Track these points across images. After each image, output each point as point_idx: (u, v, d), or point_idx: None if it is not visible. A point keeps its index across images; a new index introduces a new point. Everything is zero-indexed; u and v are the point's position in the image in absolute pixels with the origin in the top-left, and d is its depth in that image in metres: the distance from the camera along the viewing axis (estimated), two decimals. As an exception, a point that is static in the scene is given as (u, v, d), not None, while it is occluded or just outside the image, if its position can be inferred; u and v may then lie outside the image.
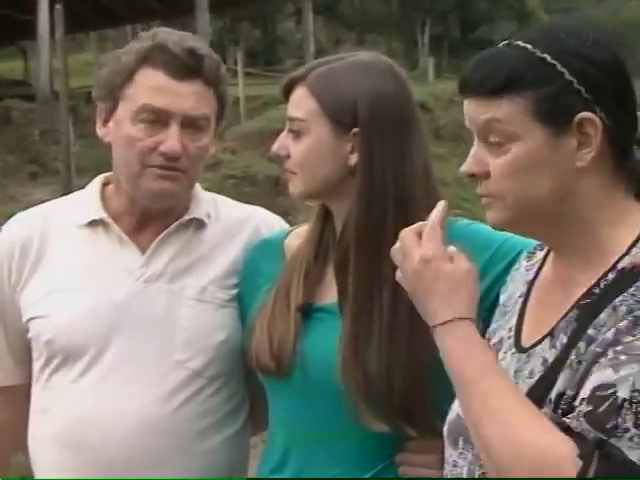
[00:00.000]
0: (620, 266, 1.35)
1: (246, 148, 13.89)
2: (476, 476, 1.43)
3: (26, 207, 2.11)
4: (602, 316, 1.31)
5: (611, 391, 1.24)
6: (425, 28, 32.24)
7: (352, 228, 1.74)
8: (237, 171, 12.66)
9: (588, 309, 1.34)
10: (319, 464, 1.75)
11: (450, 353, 1.37)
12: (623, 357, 1.25)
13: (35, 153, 15.65)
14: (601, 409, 1.23)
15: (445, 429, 1.52)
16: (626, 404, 1.22)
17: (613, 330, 1.27)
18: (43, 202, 2.10)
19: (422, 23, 33.21)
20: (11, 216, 2.07)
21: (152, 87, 1.86)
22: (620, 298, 1.30)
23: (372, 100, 1.74)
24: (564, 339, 1.36)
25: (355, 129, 1.74)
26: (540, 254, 1.55)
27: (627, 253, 1.35)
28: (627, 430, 1.22)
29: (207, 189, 2.09)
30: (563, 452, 1.23)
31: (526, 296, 1.51)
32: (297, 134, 1.77)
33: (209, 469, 1.92)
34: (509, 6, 39.16)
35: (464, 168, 1.42)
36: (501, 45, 1.42)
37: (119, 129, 1.90)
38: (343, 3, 39.20)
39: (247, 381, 1.96)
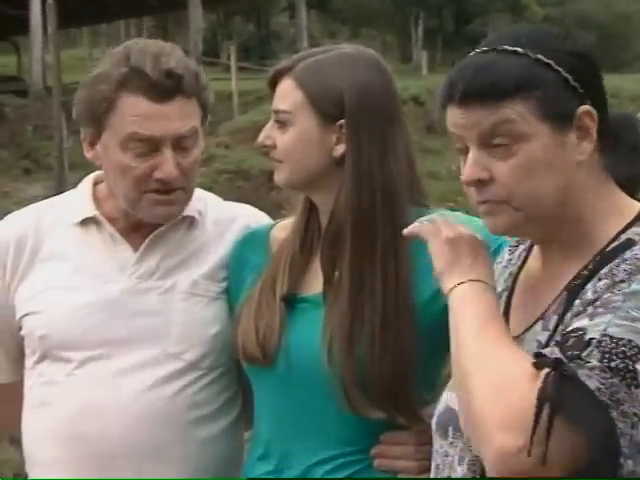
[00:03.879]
0: (608, 250, 1.37)
1: (239, 143, 13.89)
2: (465, 462, 1.45)
3: (20, 203, 2.13)
4: (588, 286, 1.34)
5: (582, 332, 1.27)
6: (419, 22, 32.23)
7: (343, 216, 1.76)
8: (230, 166, 12.67)
9: (576, 288, 1.37)
10: (302, 450, 1.78)
11: (451, 312, 1.41)
12: (600, 309, 1.28)
13: (28, 149, 15.64)
14: (569, 342, 1.27)
15: (434, 421, 1.54)
16: (594, 342, 1.25)
17: (592, 290, 1.32)
18: (36, 198, 2.11)
19: (416, 17, 33.20)
20: (5, 212, 2.07)
21: (136, 115, 1.85)
22: (605, 270, 1.33)
23: (359, 92, 1.76)
24: (555, 319, 1.39)
25: (341, 120, 1.76)
26: (522, 247, 1.57)
27: (615, 239, 1.38)
28: (589, 362, 1.24)
29: (201, 184, 2.10)
30: (522, 368, 1.27)
31: (511, 289, 1.53)
32: (283, 125, 1.79)
33: (206, 459, 1.93)
34: (503, -1, 39.17)
35: (467, 176, 1.41)
36: (484, 51, 1.42)
37: (109, 156, 1.90)
38: (336, -3, 39.15)
39: (240, 374, 1.96)
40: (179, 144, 1.87)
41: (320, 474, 1.76)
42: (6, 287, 1.98)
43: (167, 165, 1.85)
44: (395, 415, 1.74)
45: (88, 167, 2.06)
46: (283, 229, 1.92)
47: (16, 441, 2.04)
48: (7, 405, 2.05)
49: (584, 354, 1.25)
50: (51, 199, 2.10)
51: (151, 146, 1.85)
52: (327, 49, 1.83)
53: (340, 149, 1.77)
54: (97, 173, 2.02)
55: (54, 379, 1.92)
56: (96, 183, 2.01)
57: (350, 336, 1.72)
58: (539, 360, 1.27)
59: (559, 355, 1.26)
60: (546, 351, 1.29)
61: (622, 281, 1.29)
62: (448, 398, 1.50)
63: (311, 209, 1.86)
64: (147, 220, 1.92)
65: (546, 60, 1.38)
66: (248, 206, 2.11)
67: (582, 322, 1.29)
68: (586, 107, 1.38)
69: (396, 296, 1.74)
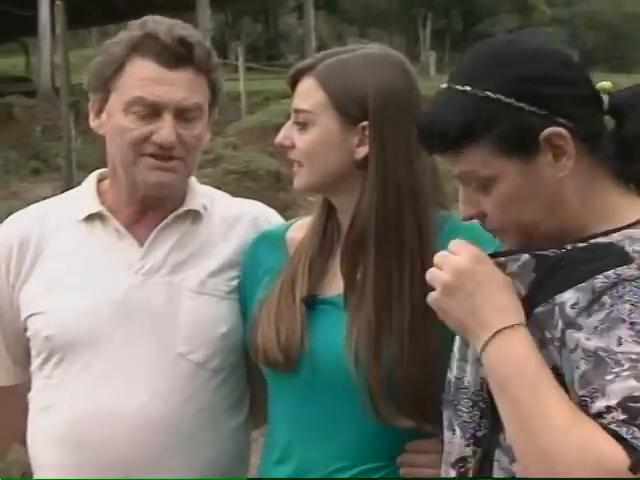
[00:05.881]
0: (593, 241, 1.36)
1: (247, 143, 13.87)
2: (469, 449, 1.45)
3: (28, 203, 2.11)
4: (569, 294, 1.32)
5: None
6: (427, 22, 32.22)
7: (367, 219, 1.73)
8: (238, 166, 12.64)
9: (548, 265, 1.36)
10: (322, 457, 1.75)
11: (505, 362, 1.35)
12: None
13: (37, 149, 15.65)
14: (639, 421, 1.25)
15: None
16: None
17: (598, 323, 1.29)
18: (45, 198, 2.10)
19: (424, 17, 33.19)
20: (13, 212, 2.07)
21: (143, 78, 1.85)
22: (598, 280, 1.31)
23: (384, 93, 1.72)
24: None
25: (364, 122, 1.73)
26: None
27: (604, 235, 1.36)
28: None
29: (208, 184, 2.09)
30: (619, 462, 1.24)
31: None
32: (303, 126, 1.76)
33: (212, 463, 1.91)
34: (511, 0, 39.08)
35: (461, 215, 1.44)
36: (442, 91, 1.41)
37: (111, 120, 1.89)
38: (344, -2, 39.13)
39: (248, 375, 1.96)
40: (182, 114, 1.86)
41: (346, 477, 1.74)
42: (10, 287, 1.96)
43: (165, 130, 1.84)
44: (422, 423, 1.71)
45: (96, 167, 2.05)
46: (299, 230, 1.89)
47: (24, 442, 2.03)
48: (11, 408, 2.04)
49: None
50: (55, 197, 2.09)
51: (153, 111, 1.84)
52: (351, 49, 1.79)
53: (362, 151, 1.73)
54: (101, 170, 2.01)
55: (60, 382, 1.91)
56: (100, 180, 2.00)
57: (377, 341, 1.69)
58: (636, 458, 1.23)
59: None
60: (627, 435, 1.24)
61: None
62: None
63: (330, 210, 1.83)
64: (142, 190, 1.89)
65: (494, 95, 1.35)
66: (257, 202, 2.09)
67: (632, 385, 1.25)
68: (550, 130, 1.35)
69: (424, 300, 1.71)
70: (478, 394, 1.45)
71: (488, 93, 1.35)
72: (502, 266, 1.42)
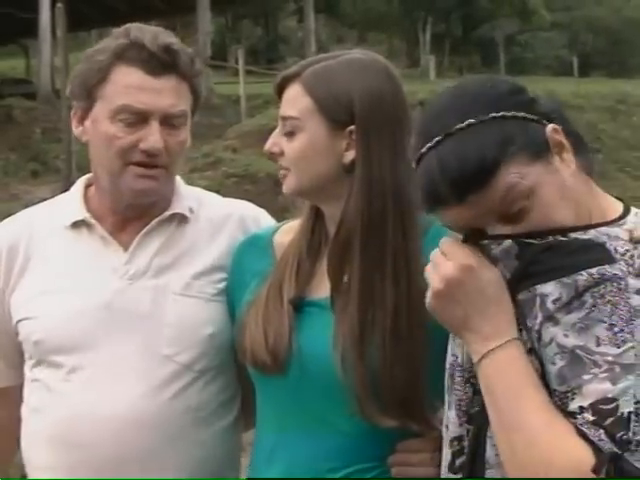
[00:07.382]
0: (573, 236, 1.38)
1: (247, 146, 13.89)
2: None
3: (27, 205, 2.12)
4: (551, 287, 1.34)
5: (614, 405, 1.28)
6: (426, 26, 32.32)
7: (353, 223, 1.74)
8: (238, 169, 12.67)
9: (532, 254, 1.37)
10: (311, 457, 1.76)
11: (496, 377, 1.38)
12: (617, 369, 1.29)
13: (37, 151, 15.67)
14: (608, 422, 1.27)
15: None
16: (633, 416, 1.27)
17: (579, 320, 1.31)
18: (44, 200, 2.11)
19: (424, 21, 33.29)
20: (12, 214, 2.08)
21: (129, 85, 1.86)
22: (582, 277, 1.32)
23: (369, 98, 1.74)
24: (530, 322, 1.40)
25: (351, 127, 1.74)
26: None
27: (583, 229, 1.38)
28: (638, 440, 1.27)
29: (207, 187, 2.09)
30: (586, 464, 1.26)
31: None
32: (290, 132, 1.77)
33: (201, 462, 1.92)
34: (511, 4, 39.16)
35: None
36: (438, 143, 1.40)
37: (97, 128, 1.90)
38: (344, 1, 39.22)
39: (239, 376, 1.96)
40: (168, 121, 1.87)
41: (338, 476, 1.75)
42: (0, 292, 1.98)
43: (153, 137, 1.85)
44: (407, 422, 1.72)
45: (96, 170, 2.05)
46: (287, 233, 1.90)
47: (19, 444, 2.04)
48: (6, 409, 2.05)
49: (630, 434, 1.27)
50: (44, 202, 2.10)
51: (140, 118, 1.86)
52: (335, 55, 1.80)
53: (350, 155, 1.75)
54: (88, 176, 2.02)
55: (49, 384, 1.92)
56: (88, 186, 2.01)
57: (361, 342, 1.71)
58: (599, 460, 1.26)
59: (611, 445, 1.26)
60: (593, 437, 1.27)
61: (622, 330, 1.30)
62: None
63: (317, 213, 1.85)
64: (126, 198, 1.91)
65: (498, 114, 1.37)
66: (246, 202, 2.10)
67: (606, 388, 1.28)
68: (550, 127, 1.39)
69: (408, 301, 1.72)
70: (470, 370, 1.47)
71: (492, 114, 1.37)
72: (485, 248, 1.43)
